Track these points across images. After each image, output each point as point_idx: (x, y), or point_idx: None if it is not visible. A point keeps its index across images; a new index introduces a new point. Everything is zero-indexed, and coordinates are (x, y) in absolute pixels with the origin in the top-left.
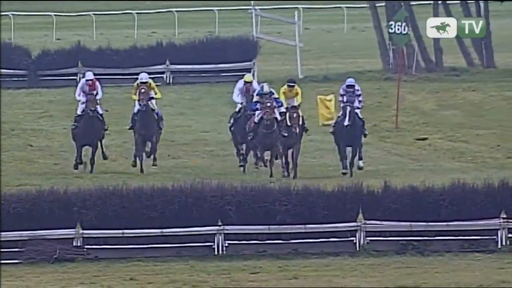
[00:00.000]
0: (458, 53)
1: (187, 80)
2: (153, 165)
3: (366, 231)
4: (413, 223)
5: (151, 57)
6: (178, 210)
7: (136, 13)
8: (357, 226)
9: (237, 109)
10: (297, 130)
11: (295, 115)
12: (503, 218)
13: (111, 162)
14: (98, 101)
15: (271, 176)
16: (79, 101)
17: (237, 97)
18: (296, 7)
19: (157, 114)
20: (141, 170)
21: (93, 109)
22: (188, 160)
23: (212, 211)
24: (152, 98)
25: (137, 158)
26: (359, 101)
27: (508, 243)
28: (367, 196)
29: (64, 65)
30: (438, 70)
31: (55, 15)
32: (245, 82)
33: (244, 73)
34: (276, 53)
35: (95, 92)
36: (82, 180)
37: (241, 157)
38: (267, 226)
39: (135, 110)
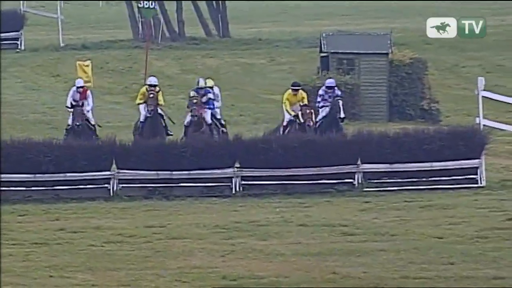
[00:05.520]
0: (198, 25)
1: None
2: None
3: (119, 179)
4: (159, 172)
5: None
6: None
7: None
8: (111, 174)
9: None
10: (311, 125)
11: (307, 110)
12: (237, 168)
13: None
14: (85, 113)
15: None
16: (68, 107)
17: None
18: None
19: (164, 121)
20: None
21: (78, 123)
22: None
23: None
24: (158, 104)
25: None
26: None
27: (241, 189)
28: (120, 148)
29: None
30: (181, 39)
31: None
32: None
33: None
34: (40, 25)
35: (84, 102)
36: None
37: None
38: (33, 175)
39: (142, 118)
